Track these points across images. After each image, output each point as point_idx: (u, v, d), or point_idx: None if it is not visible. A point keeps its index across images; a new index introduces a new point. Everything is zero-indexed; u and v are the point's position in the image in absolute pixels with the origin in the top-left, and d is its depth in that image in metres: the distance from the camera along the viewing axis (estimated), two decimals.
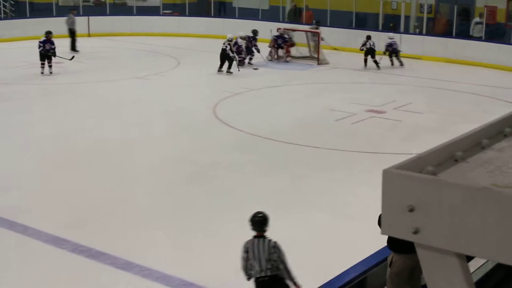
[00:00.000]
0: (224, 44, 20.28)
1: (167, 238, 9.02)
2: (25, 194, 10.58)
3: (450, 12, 24.93)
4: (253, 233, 6.57)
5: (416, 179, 2.01)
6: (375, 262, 6.84)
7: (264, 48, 22.30)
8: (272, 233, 9.06)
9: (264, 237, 6.63)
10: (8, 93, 17.41)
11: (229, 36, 20.68)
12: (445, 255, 2.08)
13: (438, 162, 2.19)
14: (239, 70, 20.37)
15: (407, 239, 2.02)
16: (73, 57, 19.36)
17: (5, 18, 27.28)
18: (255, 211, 6.76)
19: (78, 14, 27.51)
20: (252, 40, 22.19)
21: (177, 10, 29.46)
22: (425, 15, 25.25)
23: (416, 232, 1.99)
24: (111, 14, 28.28)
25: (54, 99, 16.87)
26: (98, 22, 27.46)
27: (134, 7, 28.65)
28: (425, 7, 25.44)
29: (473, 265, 5.45)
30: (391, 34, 22.61)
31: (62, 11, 27.83)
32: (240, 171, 11.81)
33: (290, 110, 16.10)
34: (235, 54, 20.31)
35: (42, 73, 19.37)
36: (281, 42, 22.75)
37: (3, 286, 7.84)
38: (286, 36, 22.78)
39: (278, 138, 13.63)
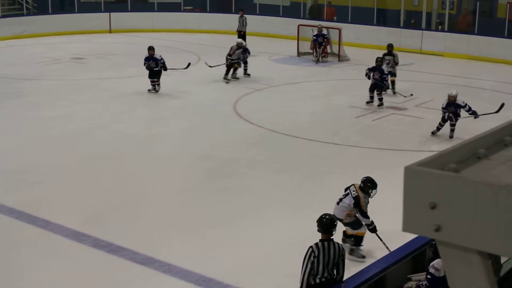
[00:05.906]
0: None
1: (186, 234, 9.06)
2: (47, 189, 10.67)
3: (473, 9, 24.70)
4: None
5: (438, 176, 1.99)
6: (395, 260, 6.82)
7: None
8: (291, 229, 9.10)
9: (332, 240, 6.61)
10: (30, 88, 17.55)
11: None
12: (467, 253, 2.06)
13: (460, 159, 2.17)
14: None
15: (429, 236, 2.01)
16: (189, 64, 17.56)
17: (28, 14, 27.49)
18: (322, 213, 6.85)
19: (99, 10, 27.71)
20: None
21: (198, 7, 29.50)
22: (447, 11, 25.04)
23: (438, 229, 1.97)
24: (132, 10, 28.41)
25: (76, 95, 16.97)
26: (120, 18, 27.61)
27: (155, 4, 28.73)
28: (447, 3, 25.23)
29: None
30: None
31: (84, 8, 27.99)
32: (259, 167, 11.82)
33: (311, 107, 16.06)
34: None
35: (148, 90, 17.12)
36: (322, 40, 21.84)
37: (24, 280, 7.92)
38: (325, 32, 21.87)
39: (298, 134, 13.61)
